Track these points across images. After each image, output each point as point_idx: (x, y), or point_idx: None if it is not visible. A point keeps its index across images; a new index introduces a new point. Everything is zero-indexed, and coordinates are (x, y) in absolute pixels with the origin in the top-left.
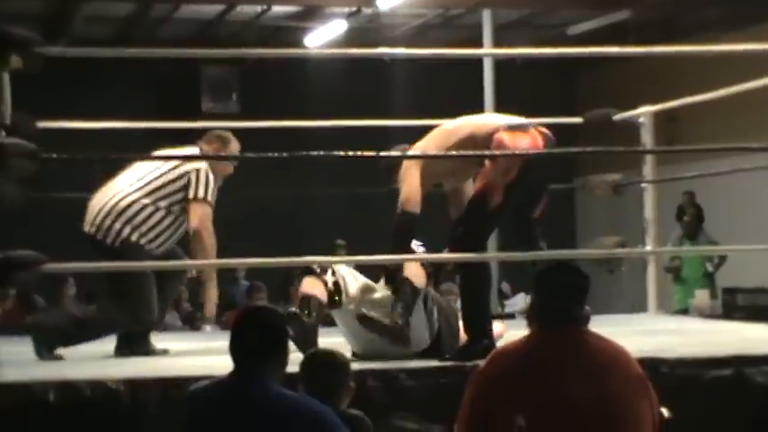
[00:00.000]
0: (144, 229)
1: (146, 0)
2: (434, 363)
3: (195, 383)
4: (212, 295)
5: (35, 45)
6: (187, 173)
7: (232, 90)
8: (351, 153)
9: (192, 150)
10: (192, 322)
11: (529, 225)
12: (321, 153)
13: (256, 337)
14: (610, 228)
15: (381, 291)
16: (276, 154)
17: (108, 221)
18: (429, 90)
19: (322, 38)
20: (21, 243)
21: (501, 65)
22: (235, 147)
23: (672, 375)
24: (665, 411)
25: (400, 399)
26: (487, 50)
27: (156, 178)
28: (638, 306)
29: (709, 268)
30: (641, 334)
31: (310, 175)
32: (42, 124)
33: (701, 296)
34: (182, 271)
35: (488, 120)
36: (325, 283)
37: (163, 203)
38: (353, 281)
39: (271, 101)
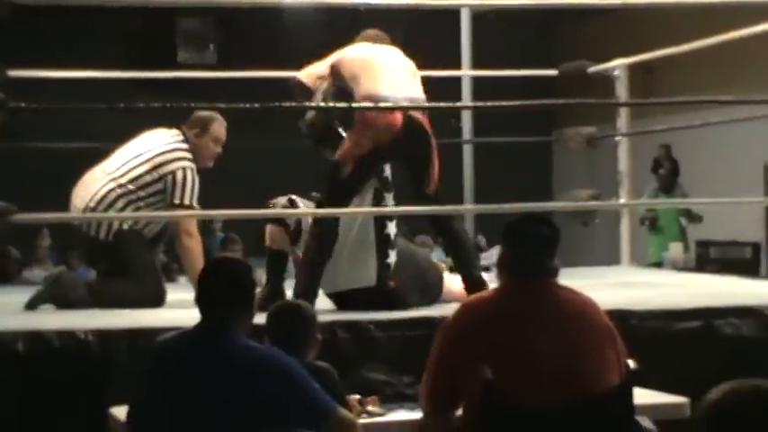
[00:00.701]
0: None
1: None
2: (403, 314)
3: (162, 335)
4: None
5: None
6: (165, 176)
7: (209, 41)
8: (324, 104)
9: (173, 134)
10: (167, 273)
11: (430, 201)
12: (293, 104)
13: (223, 287)
14: (586, 180)
15: None
16: (249, 105)
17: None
18: (405, 42)
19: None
20: None
21: (478, 19)
22: (217, 127)
23: (641, 327)
24: (631, 363)
25: (370, 350)
26: (464, 1)
27: (134, 171)
28: (611, 259)
29: (683, 223)
30: (613, 286)
31: (287, 126)
32: (13, 73)
33: (675, 249)
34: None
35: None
36: (287, 227)
37: (143, 195)
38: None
39: (249, 51)
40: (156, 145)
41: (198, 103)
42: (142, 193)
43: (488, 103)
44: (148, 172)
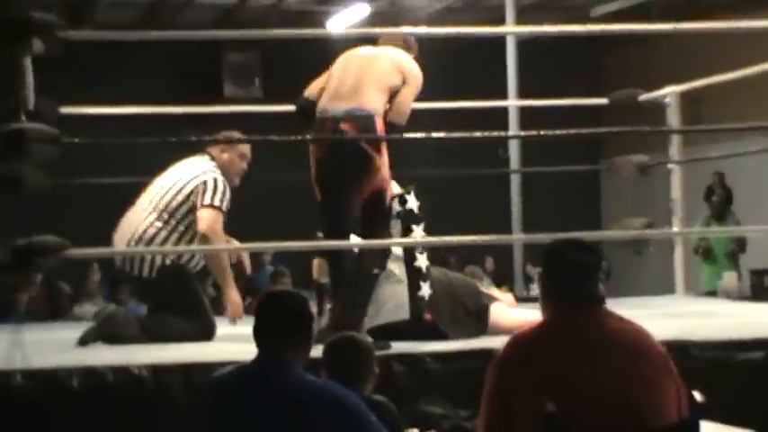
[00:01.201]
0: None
1: None
2: (460, 345)
3: (219, 369)
4: (232, 297)
5: (56, 29)
6: (194, 190)
7: (255, 75)
8: (367, 135)
9: (201, 158)
10: (216, 307)
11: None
12: (340, 136)
13: (279, 321)
14: (636, 209)
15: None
16: (295, 137)
17: (137, 256)
18: (453, 72)
19: (344, 21)
20: (45, 228)
21: (524, 46)
22: (240, 146)
23: (702, 358)
24: (697, 395)
25: (426, 383)
26: (509, 29)
27: (169, 203)
28: (665, 288)
29: (731, 246)
30: (670, 316)
31: None
32: (65, 110)
33: (729, 278)
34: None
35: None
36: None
37: (182, 227)
38: None
39: (293, 85)
40: (186, 173)
41: (245, 135)
42: (181, 226)
43: (538, 132)
44: (183, 202)
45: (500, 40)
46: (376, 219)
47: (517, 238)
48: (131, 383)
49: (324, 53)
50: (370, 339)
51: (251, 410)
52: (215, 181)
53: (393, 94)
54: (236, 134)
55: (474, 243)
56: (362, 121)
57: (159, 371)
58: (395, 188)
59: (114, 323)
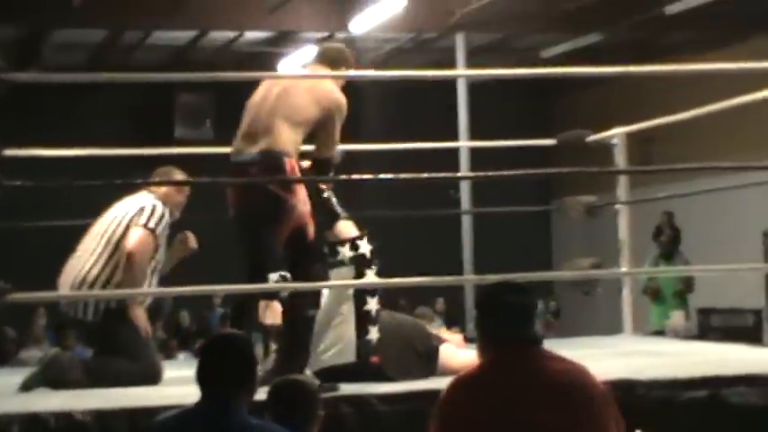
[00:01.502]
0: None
1: (118, 27)
2: (407, 387)
3: (161, 413)
4: (137, 316)
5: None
6: (132, 217)
7: (206, 116)
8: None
9: (144, 197)
10: (165, 351)
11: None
12: (287, 178)
13: (223, 364)
14: (587, 249)
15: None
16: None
17: (80, 300)
18: (401, 115)
19: (296, 63)
20: None
21: (474, 89)
22: (178, 176)
23: (647, 397)
24: None
25: (373, 425)
26: (461, 71)
27: (110, 238)
28: (614, 328)
29: (679, 286)
30: (617, 356)
31: None
32: (9, 152)
33: (677, 317)
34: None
35: None
36: (281, 300)
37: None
38: None
39: None
40: (126, 207)
41: (195, 177)
42: (120, 254)
43: (485, 173)
44: (123, 234)
45: (451, 82)
46: (301, 257)
47: (468, 279)
48: (75, 430)
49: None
50: (316, 381)
51: None
52: (153, 206)
53: (314, 126)
54: (174, 170)
55: (425, 284)
56: (270, 162)
57: (103, 416)
58: (350, 231)
59: (58, 367)
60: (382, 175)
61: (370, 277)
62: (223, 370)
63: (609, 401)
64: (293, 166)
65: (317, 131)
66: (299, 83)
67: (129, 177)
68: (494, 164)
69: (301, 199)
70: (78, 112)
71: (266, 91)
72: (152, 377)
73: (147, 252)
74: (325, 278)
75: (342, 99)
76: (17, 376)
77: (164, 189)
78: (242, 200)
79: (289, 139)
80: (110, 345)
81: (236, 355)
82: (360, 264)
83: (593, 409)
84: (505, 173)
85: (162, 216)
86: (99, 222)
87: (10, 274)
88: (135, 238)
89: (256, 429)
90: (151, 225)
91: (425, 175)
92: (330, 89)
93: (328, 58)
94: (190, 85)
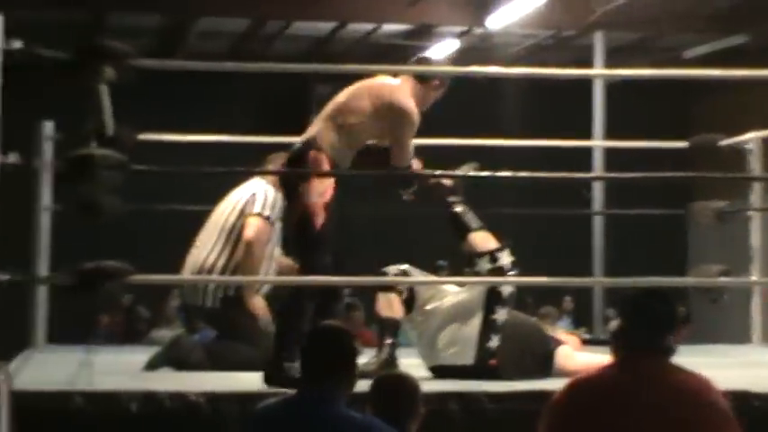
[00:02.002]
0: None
1: (260, 16)
2: (517, 386)
3: (264, 401)
4: (254, 305)
5: (127, 57)
6: (246, 204)
7: None
8: (439, 172)
9: (256, 183)
10: None
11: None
12: (419, 171)
13: (326, 355)
14: (721, 255)
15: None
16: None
17: (200, 285)
18: (539, 111)
19: (434, 57)
20: (121, 254)
21: (613, 88)
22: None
23: (762, 409)
24: None
25: (481, 423)
26: (598, 71)
27: (224, 225)
28: (744, 337)
29: None
30: (740, 366)
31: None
32: (144, 136)
33: None
34: None
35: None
36: (399, 293)
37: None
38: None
39: None
40: (240, 193)
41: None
42: (240, 250)
43: (618, 175)
44: (237, 220)
45: (589, 81)
46: (303, 246)
47: (597, 281)
48: (188, 410)
49: None
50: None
51: None
52: (265, 192)
53: (368, 132)
54: (284, 155)
55: (554, 285)
56: (294, 152)
57: (216, 399)
58: (489, 243)
59: (180, 349)
60: (516, 174)
61: (506, 291)
62: (324, 361)
63: (729, 420)
64: (315, 156)
65: (388, 140)
66: (367, 86)
67: (261, 166)
68: (629, 165)
69: (316, 190)
70: (216, 100)
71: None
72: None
73: (264, 239)
74: (328, 269)
75: (407, 107)
76: (146, 355)
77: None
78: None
79: (322, 134)
80: (229, 331)
81: (338, 347)
82: (498, 276)
83: (709, 425)
84: (637, 175)
85: (274, 201)
86: (216, 211)
87: (135, 256)
88: (251, 227)
89: (353, 421)
90: (266, 213)
91: (559, 174)
92: (394, 98)
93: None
94: (327, 76)
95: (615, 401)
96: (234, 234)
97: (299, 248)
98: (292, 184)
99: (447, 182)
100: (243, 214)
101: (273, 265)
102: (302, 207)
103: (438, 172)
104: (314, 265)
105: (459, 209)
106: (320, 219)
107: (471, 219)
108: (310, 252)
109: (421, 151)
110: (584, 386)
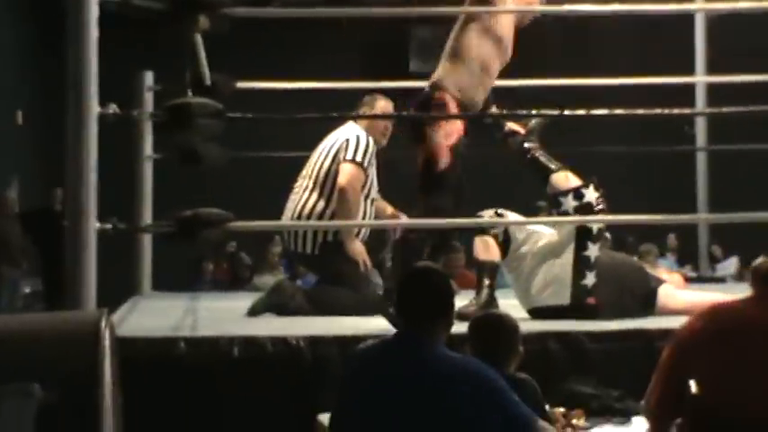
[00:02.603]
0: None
1: None
2: (617, 326)
3: (363, 343)
4: (354, 250)
5: (222, 6)
6: (339, 149)
7: (441, 50)
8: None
9: (350, 127)
10: (394, 278)
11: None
12: (513, 113)
13: (423, 297)
14: None
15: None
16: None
17: (300, 232)
18: (640, 47)
19: None
20: (223, 202)
21: (713, 22)
22: (383, 103)
23: None
24: None
25: (580, 362)
26: (698, 5)
27: (319, 170)
28: None
29: None
30: None
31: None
32: (242, 84)
33: None
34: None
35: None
36: (496, 237)
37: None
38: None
39: None
40: (333, 138)
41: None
42: (331, 186)
43: (719, 109)
44: (331, 166)
45: (689, 15)
46: (424, 187)
47: (701, 217)
48: (289, 354)
49: None
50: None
51: (391, 384)
52: (357, 138)
53: (484, 60)
54: (378, 97)
55: (656, 223)
56: (423, 95)
57: (316, 342)
58: (571, 181)
59: (282, 294)
60: (616, 111)
61: (594, 228)
62: (420, 302)
63: None
64: (441, 98)
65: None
66: (478, 19)
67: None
68: (733, 100)
69: (442, 131)
70: (314, 47)
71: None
72: (369, 308)
73: (358, 185)
74: (448, 211)
75: (504, 30)
76: (249, 301)
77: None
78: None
79: (446, 74)
80: (330, 276)
81: (434, 288)
82: (586, 213)
83: None
84: (738, 109)
85: (367, 146)
86: (312, 157)
87: (237, 203)
88: (344, 174)
89: (452, 362)
90: (358, 158)
91: (657, 110)
92: (501, 22)
93: None
94: (425, 18)
95: (750, 332)
96: (330, 180)
97: (421, 189)
98: (419, 125)
99: (519, 128)
100: (336, 160)
101: (372, 210)
102: (428, 148)
103: (530, 113)
104: (430, 206)
105: (536, 153)
106: (444, 160)
107: (550, 160)
108: (429, 193)
109: (517, 92)
110: (714, 316)
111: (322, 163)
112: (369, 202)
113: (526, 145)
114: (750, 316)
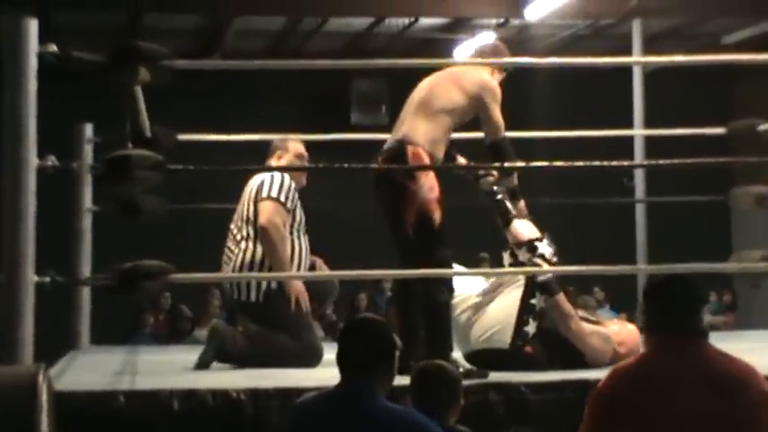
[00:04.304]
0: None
1: (296, 14)
2: (557, 376)
3: (303, 396)
4: (295, 288)
5: (162, 58)
6: (257, 191)
7: (382, 102)
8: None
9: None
10: (334, 332)
11: (406, 244)
12: (465, 164)
13: (365, 347)
14: (766, 240)
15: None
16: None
17: (243, 281)
18: (578, 101)
19: (471, 49)
20: (163, 253)
21: (652, 74)
22: (295, 145)
23: None
24: None
25: (521, 413)
26: (637, 59)
27: (248, 217)
28: None
29: None
30: None
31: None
32: (183, 137)
33: None
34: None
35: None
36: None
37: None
38: (467, 285)
39: None
40: (251, 187)
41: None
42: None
43: (657, 162)
44: (250, 205)
45: (627, 69)
46: (426, 243)
47: (641, 268)
48: (230, 407)
49: None
50: (466, 365)
51: None
52: (272, 177)
53: (461, 114)
54: (290, 138)
55: (596, 273)
56: (393, 151)
57: (257, 395)
58: (530, 232)
59: (221, 338)
60: (555, 163)
61: (545, 278)
62: (362, 354)
63: None
64: (418, 153)
65: (479, 117)
66: (446, 75)
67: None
68: (671, 152)
69: (426, 186)
70: (256, 99)
71: (423, 83)
72: (312, 356)
73: (279, 220)
74: (450, 264)
75: (490, 82)
76: (189, 353)
77: (283, 160)
78: (378, 187)
79: (420, 129)
80: (273, 323)
81: (375, 340)
82: (539, 266)
83: (754, 410)
84: (676, 162)
85: (282, 182)
86: (239, 204)
87: (178, 255)
88: (263, 212)
89: (395, 413)
90: (274, 194)
91: (599, 162)
92: (476, 75)
93: (484, 55)
94: (365, 71)
95: (660, 385)
96: (254, 223)
97: (422, 246)
98: (399, 183)
99: (492, 173)
100: (256, 201)
101: (306, 245)
102: (417, 205)
103: (483, 164)
104: (441, 260)
105: (501, 197)
106: (438, 214)
107: (514, 206)
108: (435, 248)
109: (464, 144)
110: (628, 373)
111: (247, 208)
112: (300, 237)
113: (495, 188)
114: (655, 370)
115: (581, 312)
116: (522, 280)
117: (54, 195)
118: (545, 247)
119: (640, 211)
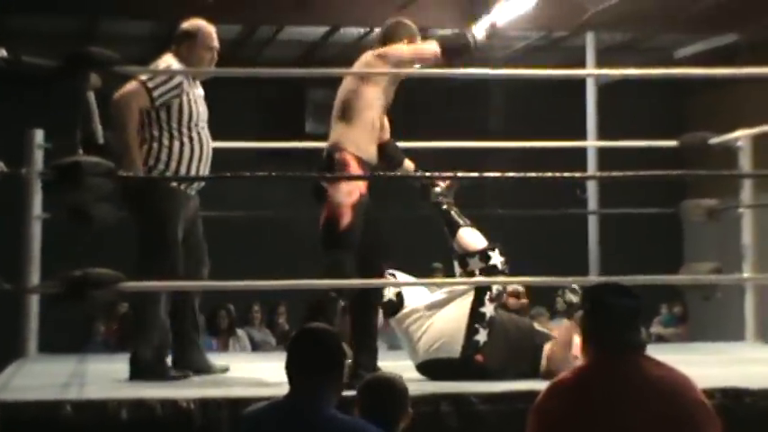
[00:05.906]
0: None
1: (251, 22)
2: (508, 386)
3: (252, 405)
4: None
5: (114, 64)
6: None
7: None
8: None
9: (168, 58)
10: (286, 341)
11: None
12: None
13: (313, 357)
14: (717, 253)
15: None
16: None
17: None
18: (532, 112)
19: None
20: (114, 261)
21: (606, 88)
22: (206, 31)
23: (755, 407)
24: None
25: (473, 424)
26: (590, 71)
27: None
28: (737, 335)
29: None
30: (732, 363)
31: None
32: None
33: None
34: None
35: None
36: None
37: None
38: (417, 296)
39: None
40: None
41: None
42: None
43: (609, 174)
44: None
45: (581, 81)
46: (325, 244)
47: (591, 280)
48: (179, 416)
49: (400, 91)
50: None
51: None
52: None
53: (366, 100)
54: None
55: (548, 284)
56: (324, 158)
57: (206, 404)
58: (480, 242)
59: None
60: (508, 174)
61: (495, 289)
62: (311, 364)
63: (708, 414)
64: (343, 158)
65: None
66: (355, 77)
67: (260, 170)
68: (624, 164)
69: (343, 190)
70: (211, 106)
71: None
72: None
73: (133, 101)
74: (349, 270)
75: (370, 55)
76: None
77: (192, 53)
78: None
79: (342, 133)
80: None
81: (324, 350)
82: (490, 275)
83: (690, 421)
84: (628, 174)
85: (167, 78)
86: None
87: (128, 262)
88: (123, 88)
89: (342, 424)
90: (144, 77)
91: (551, 174)
92: (362, 60)
93: (385, 37)
94: (320, 80)
95: (593, 401)
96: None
97: (323, 247)
98: (323, 188)
99: (440, 183)
100: None
101: (199, 140)
102: (329, 207)
103: (431, 174)
104: (332, 263)
105: (447, 207)
106: (346, 219)
107: (460, 217)
108: (331, 250)
109: (413, 153)
110: (563, 389)
111: None
112: (191, 132)
113: (440, 198)
114: (592, 385)
115: (535, 324)
116: (471, 289)
117: (2, 202)
118: (497, 257)
119: (593, 223)
